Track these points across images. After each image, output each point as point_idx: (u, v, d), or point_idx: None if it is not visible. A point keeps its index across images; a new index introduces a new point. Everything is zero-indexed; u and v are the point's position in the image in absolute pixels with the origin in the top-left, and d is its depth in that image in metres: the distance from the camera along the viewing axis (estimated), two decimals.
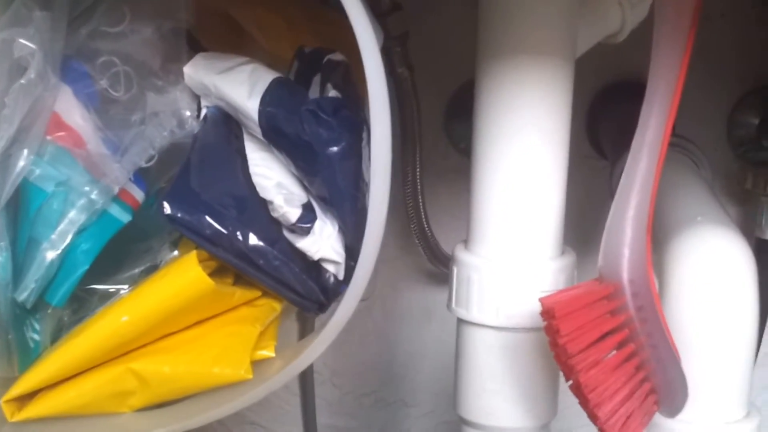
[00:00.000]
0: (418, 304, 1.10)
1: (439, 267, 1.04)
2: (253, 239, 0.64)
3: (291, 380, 1.05)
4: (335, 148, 0.63)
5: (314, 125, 0.63)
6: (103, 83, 0.66)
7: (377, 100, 0.58)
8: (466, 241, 0.74)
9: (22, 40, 0.60)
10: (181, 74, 0.69)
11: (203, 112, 0.70)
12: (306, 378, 1.08)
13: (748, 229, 0.99)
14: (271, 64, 0.72)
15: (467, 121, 0.95)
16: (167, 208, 0.63)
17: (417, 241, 1.01)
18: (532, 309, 0.65)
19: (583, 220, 0.90)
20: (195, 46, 0.73)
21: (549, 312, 0.61)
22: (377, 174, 0.59)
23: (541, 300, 0.62)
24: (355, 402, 1.14)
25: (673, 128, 0.94)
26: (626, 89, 1.01)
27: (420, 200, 0.97)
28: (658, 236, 0.70)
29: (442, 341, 1.08)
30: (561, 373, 0.64)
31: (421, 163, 0.96)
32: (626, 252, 0.64)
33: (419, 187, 0.96)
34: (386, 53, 0.90)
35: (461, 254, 0.73)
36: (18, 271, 0.62)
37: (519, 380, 0.71)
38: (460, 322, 0.74)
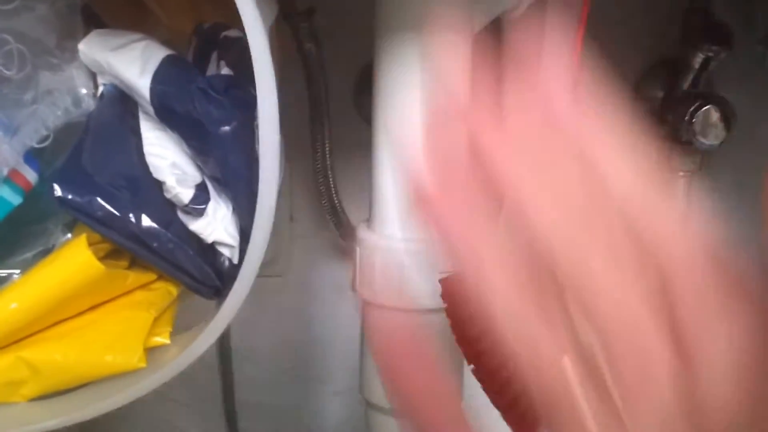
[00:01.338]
0: (332, 281, 1.11)
1: (350, 243, 1.04)
2: (146, 221, 0.63)
3: (210, 357, 1.06)
4: (227, 128, 0.63)
5: (205, 103, 0.63)
6: None
7: (263, 77, 0.58)
8: (368, 221, 0.74)
9: None
10: (77, 52, 0.68)
11: (100, 89, 0.69)
12: (224, 355, 1.08)
13: None
14: (171, 40, 0.72)
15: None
16: (57, 190, 0.62)
17: (329, 217, 1.01)
18: (435, 290, 0.64)
19: None
20: (95, 22, 0.72)
21: (446, 296, 0.62)
22: (266, 154, 0.59)
23: (441, 281, 0.62)
24: (273, 379, 1.15)
25: None
26: None
27: (330, 176, 0.97)
28: None
29: (356, 318, 1.09)
30: None
31: (330, 138, 0.95)
32: None
33: (328, 162, 0.96)
34: (293, 28, 0.89)
35: (364, 234, 0.74)
36: None
37: None
38: (365, 304, 0.74)
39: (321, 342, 1.13)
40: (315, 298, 1.11)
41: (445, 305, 0.62)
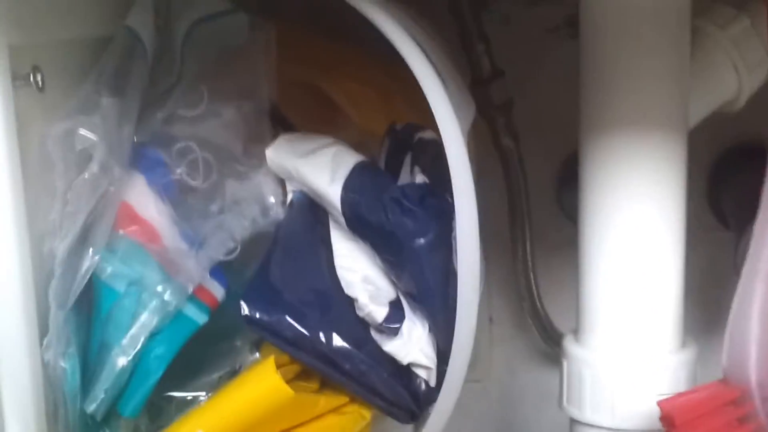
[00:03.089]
0: (535, 386, 1.05)
1: (553, 347, 0.98)
2: (337, 341, 0.60)
3: None
4: (422, 240, 0.59)
5: (399, 215, 0.59)
6: (180, 171, 0.63)
7: (461, 187, 0.55)
8: (576, 331, 0.70)
9: (83, 132, 0.57)
10: (264, 157, 0.66)
11: (289, 197, 0.67)
12: None
13: None
14: (363, 142, 0.69)
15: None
16: (245, 309, 0.60)
17: (530, 321, 0.96)
18: (652, 410, 0.60)
19: (707, 300, 0.85)
20: (282, 124, 0.71)
21: (668, 419, 0.57)
22: (465, 271, 0.55)
23: (659, 404, 0.58)
24: None
25: None
26: (747, 153, 0.94)
27: (531, 277, 0.93)
28: None
29: (561, 425, 1.02)
30: None
31: (531, 238, 0.91)
32: (753, 350, 0.58)
33: (530, 263, 0.92)
34: (490, 123, 0.86)
35: (571, 347, 0.69)
36: (89, 379, 0.59)
37: None
38: (573, 422, 0.69)
39: None
40: (516, 405, 1.06)
41: (664, 429, 0.58)
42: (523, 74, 0.89)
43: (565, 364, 0.69)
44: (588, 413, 0.67)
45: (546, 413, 1.05)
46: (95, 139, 0.58)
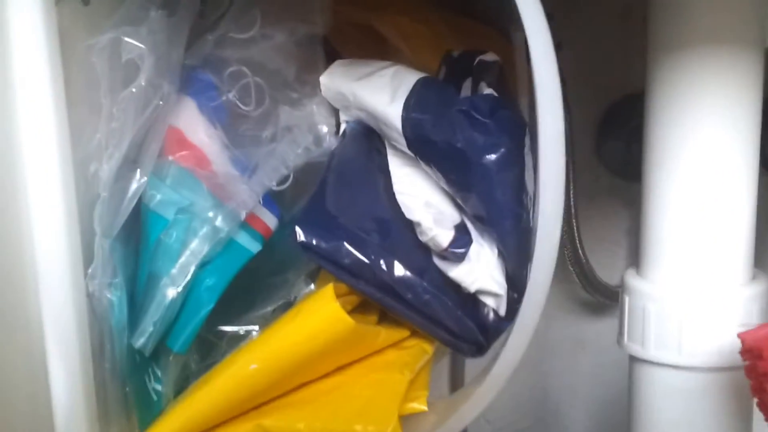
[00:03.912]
0: (572, 335, 0.94)
1: (595, 295, 0.87)
2: (399, 269, 0.49)
3: None
4: (493, 156, 0.47)
5: (468, 129, 0.48)
6: (232, 96, 0.52)
7: (547, 89, 0.42)
8: (637, 266, 0.59)
9: (129, 40, 0.45)
10: (318, 85, 0.55)
11: (342, 127, 0.56)
12: None
13: None
14: None
15: (619, 141, 0.79)
16: (300, 235, 0.48)
17: (571, 268, 0.84)
18: (722, 345, 0.52)
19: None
20: (333, 56, 0.59)
21: (754, 351, 0.48)
22: (548, 183, 0.43)
23: (741, 336, 0.49)
24: None
25: None
26: None
27: (574, 225, 0.81)
28: None
29: (597, 375, 0.92)
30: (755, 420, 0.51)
31: (574, 184, 0.79)
32: None
33: (573, 210, 0.80)
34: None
35: (633, 281, 0.58)
36: (137, 312, 0.48)
37: (706, 427, 0.56)
38: (633, 360, 0.59)
39: (559, 400, 0.96)
40: (552, 353, 0.94)
41: (745, 363, 0.48)
42: (568, 21, 0.77)
43: (626, 299, 0.59)
44: (652, 350, 0.57)
45: (582, 361, 0.94)
46: (142, 47, 0.46)
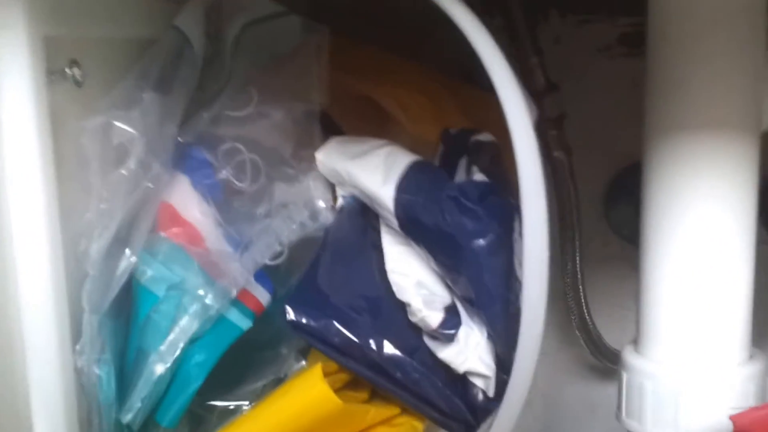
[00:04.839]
0: (581, 399, 0.93)
1: (602, 360, 0.86)
2: (388, 348, 0.50)
3: None
4: (482, 241, 0.48)
5: (457, 214, 0.49)
6: (226, 173, 0.53)
7: (529, 180, 0.43)
8: (635, 342, 0.60)
9: (119, 125, 0.47)
10: (314, 161, 0.56)
11: (339, 202, 0.56)
12: None
13: None
14: (415, 148, 0.59)
15: (629, 206, 0.79)
16: (290, 313, 0.50)
17: (578, 334, 0.84)
18: (718, 424, 0.52)
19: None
20: (333, 130, 0.60)
21: None
22: (532, 271, 0.44)
23: (732, 419, 0.49)
24: None
25: None
26: None
27: (581, 291, 0.81)
28: None
29: None
30: None
31: (580, 251, 0.79)
32: None
33: (579, 276, 0.80)
34: (542, 136, 0.74)
35: (631, 358, 0.59)
36: (126, 387, 0.49)
37: None
38: None
39: None
40: (562, 419, 0.94)
41: None
42: (574, 91, 0.78)
43: (624, 375, 0.59)
44: (649, 426, 0.57)
45: (594, 425, 0.94)
46: (133, 132, 0.47)
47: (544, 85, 0.73)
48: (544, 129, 0.74)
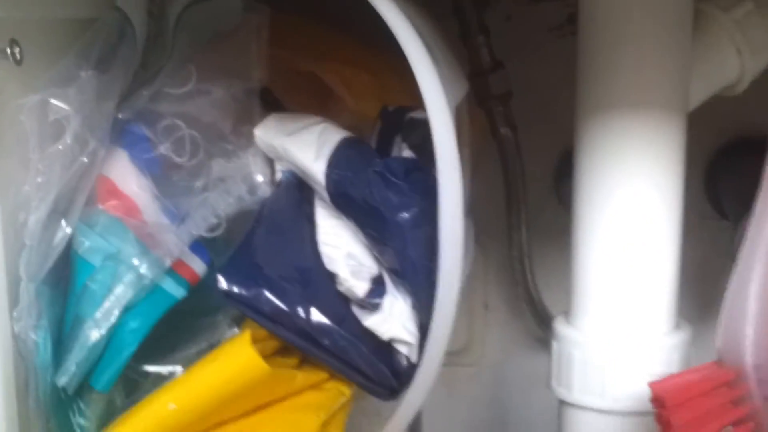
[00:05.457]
0: (529, 371, 0.96)
1: (546, 332, 0.89)
2: (316, 316, 0.52)
3: None
4: (406, 215, 0.51)
5: (383, 189, 0.51)
6: (165, 148, 0.55)
7: (445, 156, 0.47)
8: (567, 313, 0.62)
9: (55, 102, 0.49)
10: (254, 137, 0.58)
11: (278, 176, 0.58)
12: None
13: None
14: (357, 125, 0.61)
15: None
16: (222, 282, 0.52)
17: (525, 306, 0.86)
18: (643, 391, 0.52)
19: (703, 288, 0.77)
20: (276, 108, 0.62)
21: (659, 400, 0.50)
22: (447, 243, 0.46)
23: (650, 386, 0.50)
24: None
25: None
26: (748, 145, 0.85)
27: (526, 263, 0.83)
28: None
29: (555, 408, 0.93)
30: None
31: (527, 225, 0.81)
32: (749, 332, 0.50)
33: (525, 250, 0.82)
34: (488, 113, 0.77)
35: (561, 328, 0.61)
36: (62, 352, 0.51)
37: None
38: (562, 403, 0.62)
39: None
40: (510, 389, 0.97)
41: (655, 410, 0.50)
42: (524, 70, 0.80)
43: (555, 345, 0.62)
44: (576, 394, 0.59)
45: (538, 396, 0.96)
46: (68, 109, 0.49)
47: (490, 63, 0.75)
48: (490, 107, 0.77)
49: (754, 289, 0.49)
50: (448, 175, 0.46)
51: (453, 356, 0.94)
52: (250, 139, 0.58)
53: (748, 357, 0.49)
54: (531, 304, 0.86)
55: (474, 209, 0.78)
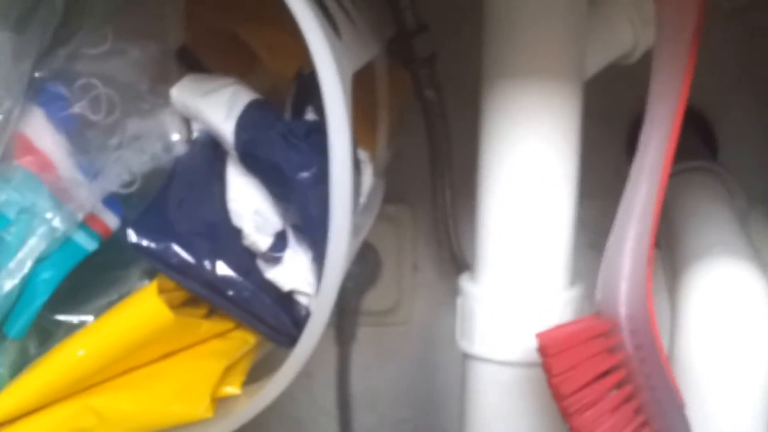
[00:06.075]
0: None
1: None
2: (222, 269, 0.55)
3: (329, 404, 0.96)
4: (306, 174, 0.54)
5: (284, 149, 0.55)
6: (81, 106, 0.57)
7: (334, 124, 0.50)
8: (472, 270, 0.65)
9: None
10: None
11: (194, 135, 0.61)
12: (344, 403, 0.97)
13: None
14: (277, 86, 0.63)
15: None
16: (132, 236, 0.55)
17: (451, 266, 0.90)
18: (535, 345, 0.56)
19: None
20: (197, 68, 0.64)
21: (543, 349, 0.54)
22: (336, 197, 0.50)
23: (537, 336, 0.54)
24: (392, 429, 1.04)
25: (715, 153, 0.81)
26: None
27: (450, 225, 0.87)
28: (675, 267, 0.59)
29: None
30: None
31: (452, 187, 0.85)
32: (624, 286, 0.55)
33: (449, 211, 0.86)
34: (413, 75, 0.80)
35: (465, 284, 0.65)
36: None
37: (525, 419, 0.63)
38: (465, 355, 0.65)
39: (443, 391, 1.01)
40: (438, 347, 1.00)
41: (542, 360, 0.54)
42: (451, 31, 0.83)
43: (459, 300, 0.65)
44: (477, 346, 0.63)
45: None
46: None
47: (415, 26, 0.78)
48: (415, 69, 0.80)
49: (629, 246, 0.54)
50: (338, 135, 0.49)
51: (382, 316, 0.97)
52: (167, 98, 0.60)
53: (622, 309, 0.54)
54: (455, 264, 0.89)
55: (398, 170, 0.82)
